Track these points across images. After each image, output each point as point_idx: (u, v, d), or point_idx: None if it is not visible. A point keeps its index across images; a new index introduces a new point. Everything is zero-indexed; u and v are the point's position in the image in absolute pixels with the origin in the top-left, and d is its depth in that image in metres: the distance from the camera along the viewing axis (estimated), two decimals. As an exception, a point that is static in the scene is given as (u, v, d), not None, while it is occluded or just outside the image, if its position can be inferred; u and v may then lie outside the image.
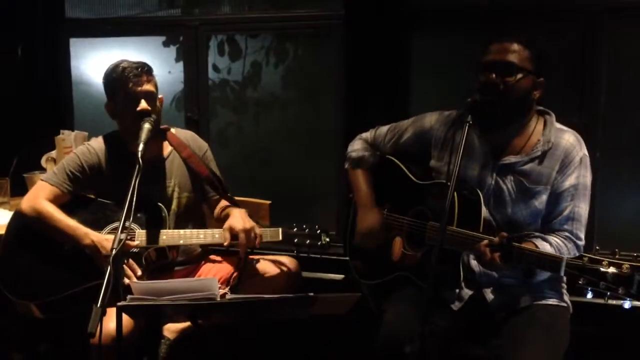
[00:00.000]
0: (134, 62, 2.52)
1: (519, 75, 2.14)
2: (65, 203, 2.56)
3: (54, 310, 2.53)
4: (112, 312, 1.96)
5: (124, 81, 2.47)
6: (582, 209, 2.22)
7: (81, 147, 2.66)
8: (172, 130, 2.72)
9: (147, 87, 2.50)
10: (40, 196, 2.53)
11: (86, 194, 2.68)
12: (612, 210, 2.92)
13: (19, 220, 2.60)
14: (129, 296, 1.95)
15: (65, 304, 2.50)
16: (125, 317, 2.17)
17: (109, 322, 2.14)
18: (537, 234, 2.19)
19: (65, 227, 2.47)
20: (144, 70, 2.51)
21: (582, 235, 2.23)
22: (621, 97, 2.92)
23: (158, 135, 2.60)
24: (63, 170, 2.58)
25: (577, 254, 2.16)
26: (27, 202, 2.55)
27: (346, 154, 2.65)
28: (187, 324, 2.42)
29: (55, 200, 2.54)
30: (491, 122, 2.22)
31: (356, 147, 2.62)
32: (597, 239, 2.86)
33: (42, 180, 2.60)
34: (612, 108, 2.91)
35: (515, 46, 2.16)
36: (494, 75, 2.14)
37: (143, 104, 2.47)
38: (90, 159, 2.60)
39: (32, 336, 3.16)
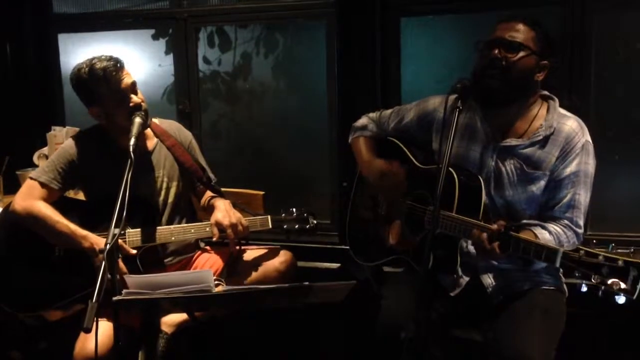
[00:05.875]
0: (105, 59, 2.45)
1: (522, 53, 2.16)
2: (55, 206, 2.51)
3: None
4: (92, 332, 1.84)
5: (107, 82, 2.42)
6: (582, 196, 2.21)
7: (68, 141, 2.61)
8: (156, 120, 2.70)
9: (130, 79, 2.48)
10: (33, 196, 2.48)
11: (75, 190, 2.65)
12: (604, 194, 2.91)
13: (9, 222, 2.54)
14: (124, 290, 1.95)
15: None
16: (105, 335, 2.19)
17: (89, 343, 2.20)
18: (536, 222, 2.19)
19: (65, 229, 2.42)
20: (121, 64, 2.46)
21: (582, 223, 2.23)
22: (611, 81, 2.92)
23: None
24: (53, 167, 2.53)
25: (577, 242, 2.19)
26: (20, 203, 2.48)
27: (351, 128, 2.68)
28: (185, 317, 2.42)
29: (48, 198, 2.50)
30: (492, 99, 2.22)
31: (361, 121, 2.66)
32: (589, 223, 2.87)
33: (31, 178, 2.53)
34: (602, 91, 2.91)
35: (521, 26, 2.18)
36: (497, 51, 2.16)
37: (135, 98, 2.46)
38: (78, 151, 2.55)
39: (31, 335, 3.16)
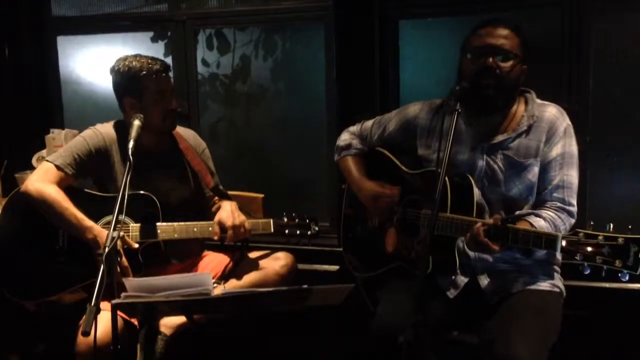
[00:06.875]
0: (155, 59, 2.57)
1: (513, 62, 2.16)
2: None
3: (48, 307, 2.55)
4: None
5: (157, 77, 2.52)
6: (572, 176, 2.24)
7: (88, 131, 2.63)
8: None
9: (172, 84, 2.61)
10: (47, 179, 2.48)
11: (87, 179, 2.66)
12: (602, 194, 2.93)
13: (18, 206, 2.56)
14: (123, 293, 1.95)
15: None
16: (105, 325, 2.15)
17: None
18: (529, 211, 2.21)
19: (72, 216, 2.43)
20: (169, 69, 2.60)
21: (574, 202, 2.24)
22: (609, 82, 2.92)
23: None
24: (70, 153, 2.54)
25: (572, 221, 2.21)
26: (33, 184, 2.47)
27: (335, 147, 2.68)
28: (184, 320, 2.42)
29: (61, 183, 2.50)
30: (483, 105, 2.23)
31: (343, 137, 2.66)
32: (589, 223, 2.86)
33: (47, 161, 2.54)
34: (600, 93, 2.90)
35: (507, 32, 2.17)
36: (491, 59, 2.15)
37: (174, 102, 2.58)
38: (98, 142, 2.57)
39: (29, 336, 3.16)
